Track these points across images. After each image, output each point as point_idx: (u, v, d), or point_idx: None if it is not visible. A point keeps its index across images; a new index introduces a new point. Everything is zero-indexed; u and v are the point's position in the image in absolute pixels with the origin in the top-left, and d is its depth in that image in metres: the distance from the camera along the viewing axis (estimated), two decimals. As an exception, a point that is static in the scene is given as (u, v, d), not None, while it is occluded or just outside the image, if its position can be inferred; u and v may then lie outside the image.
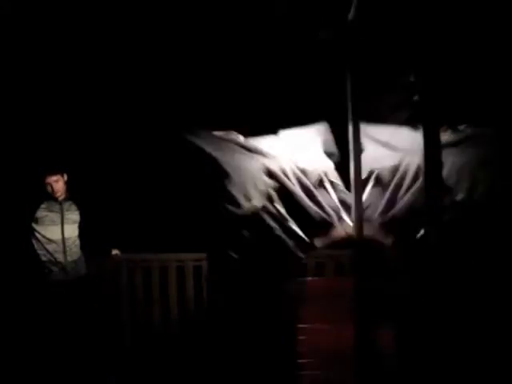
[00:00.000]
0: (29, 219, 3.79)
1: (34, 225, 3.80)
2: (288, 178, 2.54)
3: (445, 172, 2.54)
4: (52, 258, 3.80)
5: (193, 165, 2.79)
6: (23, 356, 3.94)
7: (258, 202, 2.51)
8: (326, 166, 2.67)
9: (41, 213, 3.80)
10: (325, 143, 2.76)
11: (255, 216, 2.57)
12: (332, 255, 3.99)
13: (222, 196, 2.57)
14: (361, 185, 1.89)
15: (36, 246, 3.80)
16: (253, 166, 2.59)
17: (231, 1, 4.56)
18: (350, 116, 1.80)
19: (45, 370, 3.81)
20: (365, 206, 2.55)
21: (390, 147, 2.69)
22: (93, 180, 4.19)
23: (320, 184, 2.56)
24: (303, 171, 2.56)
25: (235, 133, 2.75)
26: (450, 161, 2.65)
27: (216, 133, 2.72)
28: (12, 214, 3.87)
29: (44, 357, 3.90)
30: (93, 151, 5.40)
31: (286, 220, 2.53)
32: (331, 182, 2.58)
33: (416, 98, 1.40)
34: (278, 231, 2.53)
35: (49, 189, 3.79)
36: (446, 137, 2.67)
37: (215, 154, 2.65)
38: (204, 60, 5.02)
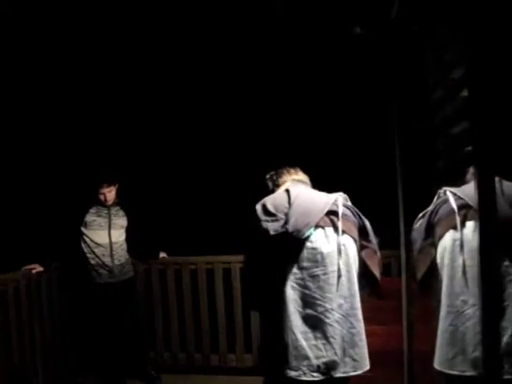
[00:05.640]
0: (79, 223, 3.90)
1: (83, 229, 3.90)
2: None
3: None
4: (100, 262, 3.89)
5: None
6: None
7: None
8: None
9: (89, 217, 3.90)
10: None
11: None
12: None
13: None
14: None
15: (85, 249, 3.90)
16: None
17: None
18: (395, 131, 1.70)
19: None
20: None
21: None
22: (140, 186, 4.27)
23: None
24: None
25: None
26: None
27: None
28: (64, 217, 4.00)
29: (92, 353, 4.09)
30: (138, 159, 5.54)
31: None
32: None
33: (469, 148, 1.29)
34: None
35: (102, 197, 3.88)
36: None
37: None
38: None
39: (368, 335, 3.19)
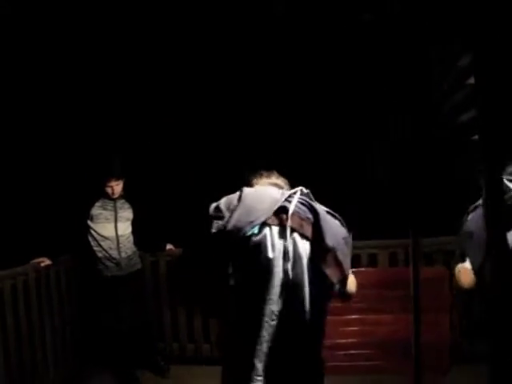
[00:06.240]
0: (85, 217, 3.92)
1: (89, 222, 3.92)
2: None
3: None
4: (107, 255, 3.91)
5: None
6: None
7: None
8: None
9: (95, 211, 3.92)
10: None
11: None
12: (385, 245, 3.95)
13: None
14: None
15: (92, 242, 3.93)
16: None
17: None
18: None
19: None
20: None
21: None
22: (145, 178, 4.28)
23: None
24: None
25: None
26: None
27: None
28: (71, 211, 4.02)
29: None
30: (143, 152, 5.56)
31: None
32: None
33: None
34: None
35: (109, 191, 3.88)
36: None
37: None
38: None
39: (375, 324, 3.21)
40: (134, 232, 4.07)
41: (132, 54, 5.33)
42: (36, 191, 5.47)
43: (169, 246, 4.38)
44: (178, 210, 5.41)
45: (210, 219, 2.23)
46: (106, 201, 3.94)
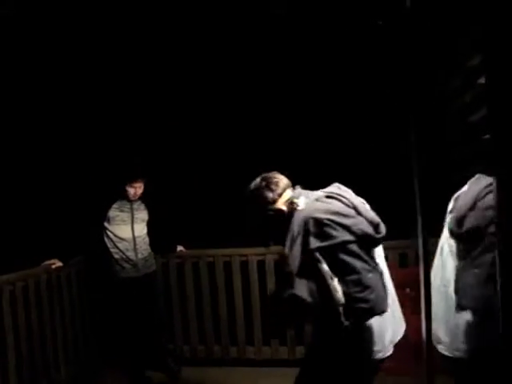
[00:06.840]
0: (101, 219, 3.95)
1: (106, 224, 3.95)
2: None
3: None
4: (124, 256, 3.94)
5: None
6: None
7: None
8: None
9: (113, 212, 3.94)
10: None
11: None
12: (395, 246, 3.94)
13: None
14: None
15: (108, 244, 3.96)
16: None
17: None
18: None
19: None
20: None
21: None
22: (156, 180, 4.31)
23: None
24: None
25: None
26: None
27: None
28: (85, 213, 4.06)
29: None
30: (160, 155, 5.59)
31: None
32: None
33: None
34: None
35: (132, 191, 3.92)
36: None
37: None
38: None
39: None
40: (148, 233, 4.11)
41: (142, 54, 5.36)
42: (50, 193, 5.51)
43: (179, 248, 4.41)
44: (188, 211, 5.43)
45: (344, 226, 2.28)
46: (124, 202, 3.97)
